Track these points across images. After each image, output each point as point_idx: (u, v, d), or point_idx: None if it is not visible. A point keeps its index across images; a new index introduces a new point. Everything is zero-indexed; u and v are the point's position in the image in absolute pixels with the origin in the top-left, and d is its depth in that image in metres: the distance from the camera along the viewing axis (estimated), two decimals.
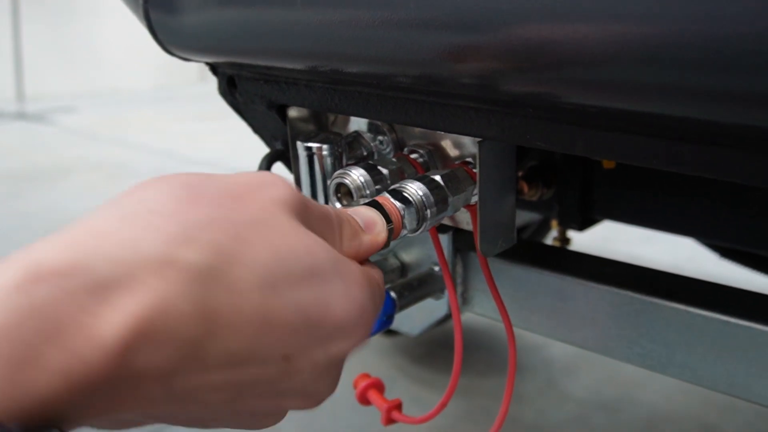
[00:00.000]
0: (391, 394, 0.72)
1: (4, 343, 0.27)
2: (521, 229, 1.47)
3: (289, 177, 0.68)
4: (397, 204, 0.47)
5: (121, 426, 0.33)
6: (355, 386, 0.70)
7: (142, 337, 0.29)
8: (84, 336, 0.28)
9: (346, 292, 0.36)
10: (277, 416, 0.38)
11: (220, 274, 0.31)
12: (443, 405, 0.68)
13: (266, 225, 0.34)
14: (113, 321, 0.28)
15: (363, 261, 0.42)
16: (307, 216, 0.37)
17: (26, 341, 0.27)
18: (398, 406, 0.69)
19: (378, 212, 0.45)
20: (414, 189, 0.49)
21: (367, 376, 0.71)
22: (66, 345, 0.28)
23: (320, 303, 0.34)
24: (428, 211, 0.49)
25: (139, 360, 0.29)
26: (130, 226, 0.31)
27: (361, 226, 0.43)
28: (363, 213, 0.44)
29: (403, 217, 0.47)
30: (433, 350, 1.59)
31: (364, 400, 0.70)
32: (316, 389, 0.37)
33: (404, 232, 0.48)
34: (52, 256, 0.29)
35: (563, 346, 1.55)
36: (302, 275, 0.34)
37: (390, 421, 0.69)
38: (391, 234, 0.46)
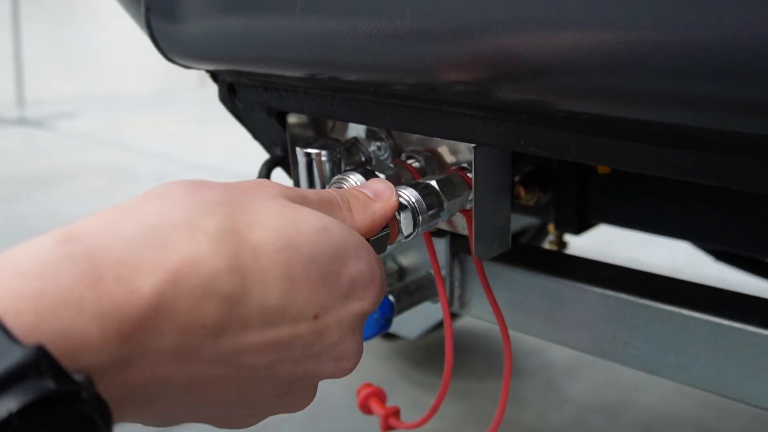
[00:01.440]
0: (391, 398, 0.74)
1: (39, 282, 0.28)
2: (520, 234, 1.47)
3: (289, 182, 0.68)
4: None
5: (169, 418, 0.34)
6: (358, 395, 0.72)
7: (177, 286, 0.30)
8: (119, 283, 0.29)
9: (355, 251, 0.39)
10: (312, 390, 0.40)
11: (242, 237, 0.34)
12: (435, 409, 0.70)
13: (271, 202, 0.37)
14: (148, 272, 0.30)
15: (380, 228, 0.45)
16: (305, 203, 0.40)
17: (62, 283, 0.28)
18: (396, 413, 0.71)
19: (386, 181, 0.48)
20: (409, 194, 0.50)
21: (369, 385, 0.73)
22: (101, 290, 0.29)
23: (334, 261, 0.37)
24: (423, 216, 0.50)
25: (179, 311, 0.30)
26: (154, 204, 0.34)
27: (370, 197, 0.45)
28: (370, 185, 0.47)
29: (399, 221, 0.48)
30: (433, 354, 1.60)
31: (365, 408, 0.72)
32: (345, 350, 0.39)
33: (401, 236, 0.49)
34: (89, 224, 0.32)
35: (562, 349, 1.56)
36: (314, 237, 0.37)
37: (388, 427, 0.71)
38: (387, 239, 0.47)
